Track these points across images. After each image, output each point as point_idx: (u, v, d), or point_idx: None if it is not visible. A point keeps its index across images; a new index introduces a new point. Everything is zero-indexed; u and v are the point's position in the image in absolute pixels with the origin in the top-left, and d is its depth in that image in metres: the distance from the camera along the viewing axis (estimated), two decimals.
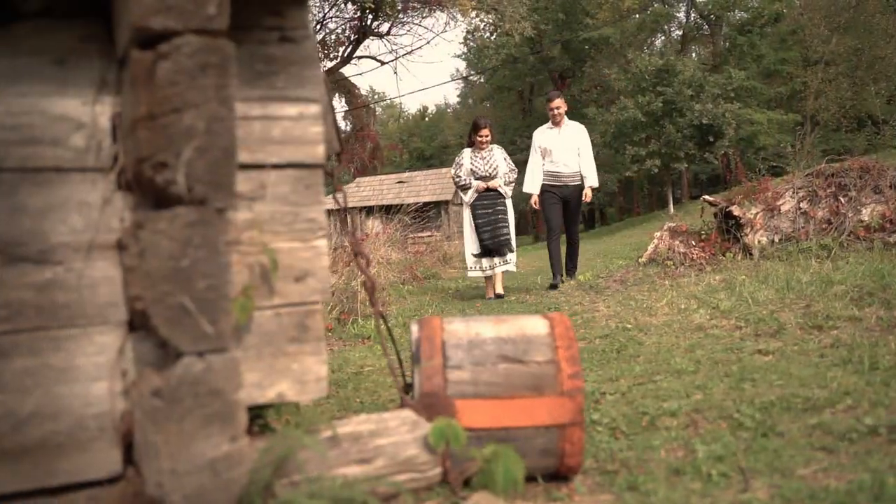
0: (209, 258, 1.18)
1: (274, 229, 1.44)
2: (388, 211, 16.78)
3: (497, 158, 7.87)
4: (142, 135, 1.16)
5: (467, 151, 7.94)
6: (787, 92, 31.35)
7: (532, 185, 7.93)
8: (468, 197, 7.78)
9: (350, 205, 26.15)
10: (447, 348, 1.83)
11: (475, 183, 7.71)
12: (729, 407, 2.31)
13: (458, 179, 7.92)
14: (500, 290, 7.71)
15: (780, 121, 27.32)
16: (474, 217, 7.75)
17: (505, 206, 7.80)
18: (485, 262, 7.78)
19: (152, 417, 1.16)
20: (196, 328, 1.17)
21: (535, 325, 1.92)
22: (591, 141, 8.24)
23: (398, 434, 1.52)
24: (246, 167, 1.41)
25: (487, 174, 7.74)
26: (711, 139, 24.20)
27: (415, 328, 1.91)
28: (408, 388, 2.00)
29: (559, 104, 7.85)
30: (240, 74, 1.40)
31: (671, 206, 26.30)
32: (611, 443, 2.15)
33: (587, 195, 7.82)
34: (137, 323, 1.29)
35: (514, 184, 7.93)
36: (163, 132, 1.16)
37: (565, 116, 7.93)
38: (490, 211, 7.73)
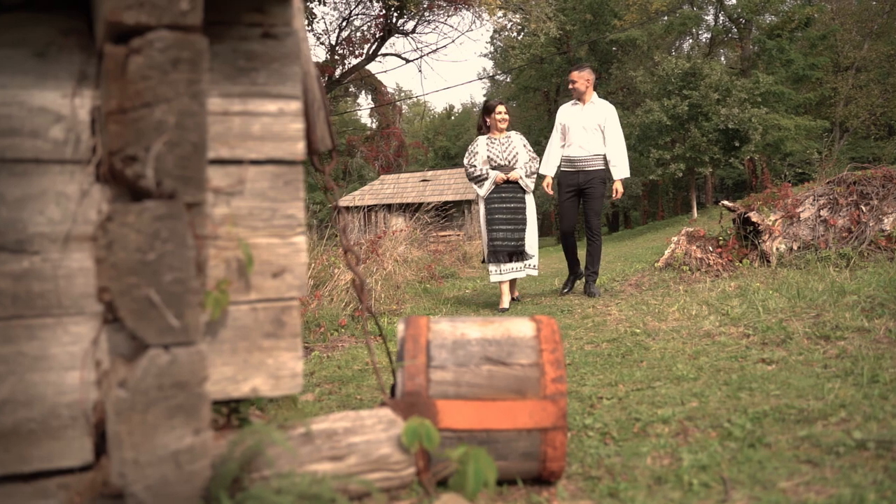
0: (177, 252, 1.19)
1: (252, 225, 1.45)
2: (410, 209, 16.88)
3: (516, 145, 6.83)
4: (112, 128, 1.17)
5: (482, 139, 6.90)
6: (816, 98, 30.91)
7: (546, 166, 6.99)
8: (483, 190, 6.74)
9: (373, 202, 26.28)
10: (431, 348, 1.82)
11: (492, 174, 6.68)
12: (722, 416, 2.29)
13: (472, 170, 6.84)
14: (514, 293, 7.04)
15: (808, 127, 26.95)
16: (489, 213, 6.75)
17: (525, 202, 6.77)
18: (498, 266, 6.73)
19: (117, 408, 1.17)
20: (162, 321, 1.18)
21: (522, 328, 1.91)
22: None
23: (373, 432, 1.52)
24: (225, 162, 1.42)
25: (507, 163, 6.70)
26: (737, 144, 23.90)
27: (401, 327, 1.91)
28: (395, 387, 2.00)
29: (576, 78, 6.86)
30: (220, 70, 1.41)
31: (695, 210, 26.06)
32: (599, 448, 2.14)
33: (617, 191, 6.78)
34: (109, 314, 1.30)
35: (536, 175, 6.91)
36: (133, 126, 1.17)
37: (594, 93, 6.95)
38: (509, 206, 6.72)
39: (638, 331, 4.39)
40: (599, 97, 7.02)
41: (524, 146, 6.88)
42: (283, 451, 1.39)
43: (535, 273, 6.96)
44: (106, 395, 1.29)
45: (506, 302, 6.70)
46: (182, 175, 1.20)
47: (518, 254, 6.70)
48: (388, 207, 24.98)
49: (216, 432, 1.46)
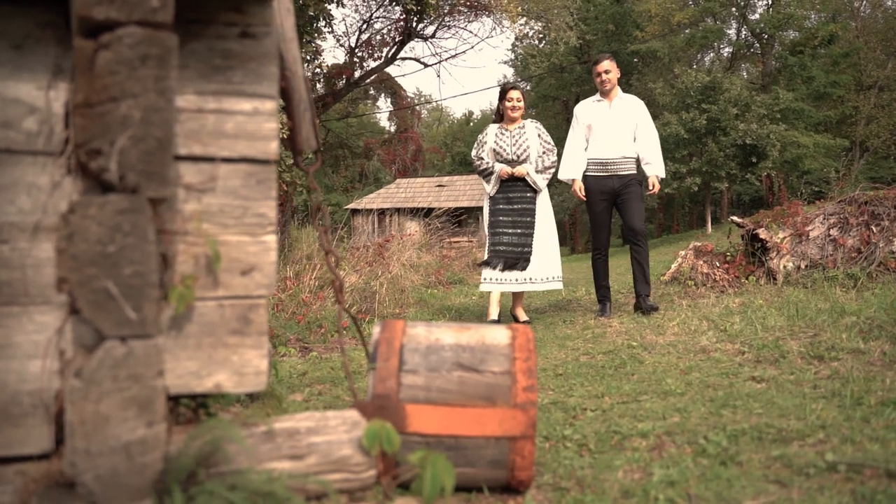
0: (137, 245, 1.21)
1: (223, 222, 1.46)
2: (423, 213, 16.92)
3: (529, 137, 5.90)
4: (78, 121, 1.18)
5: (493, 127, 6.04)
6: (837, 116, 30.72)
7: (571, 169, 5.97)
8: (490, 186, 5.91)
9: (388, 206, 26.35)
10: (405, 352, 1.83)
11: (497, 167, 5.82)
12: (700, 432, 2.27)
13: (479, 163, 6.01)
14: (522, 314, 6.00)
15: (828, 145, 26.76)
16: (492, 214, 5.91)
17: (534, 203, 5.86)
18: (490, 272, 5.86)
19: (70, 397, 1.19)
20: (119, 313, 1.19)
21: (496, 336, 1.91)
22: None
23: (335, 433, 1.52)
24: (197, 159, 1.43)
25: (515, 158, 5.83)
26: (754, 160, 23.78)
27: (376, 330, 1.92)
28: None
29: (608, 67, 5.89)
30: (196, 67, 1.42)
31: (709, 225, 25.92)
32: (574, 459, 2.13)
33: (653, 186, 5.81)
34: (74, 305, 1.32)
35: (551, 171, 5.92)
36: (99, 120, 1.18)
37: (618, 87, 6.02)
38: (515, 208, 5.85)
39: (635, 344, 4.37)
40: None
41: (539, 136, 5.96)
42: (243, 448, 1.40)
43: (559, 286, 6.00)
44: (66, 384, 1.30)
45: (494, 313, 5.91)
46: (146, 170, 1.21)
47: (521, 262, 5.81)
48: (403, 211, 25.02)
49: (180, 426, 1.47)
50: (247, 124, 1.46)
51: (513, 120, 5.96)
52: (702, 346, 4.03)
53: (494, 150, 5.90)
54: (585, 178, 5.95)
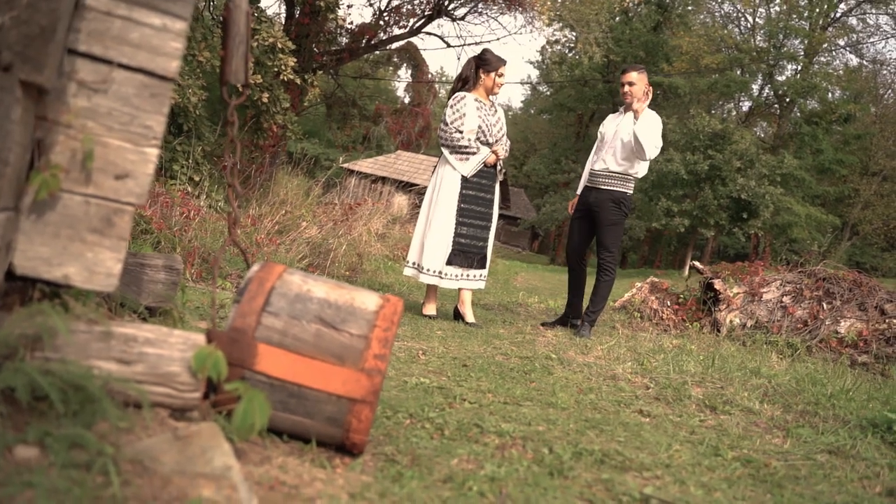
0: None
1: (109, 125, 1.50)
2: (415, 189, 16.96)
3: (503, 121, 5.59)
4: None
5: (470, 98, 5.40)
6: (836, 194, 31.11)
7: (580, 185, 5.98)
8: (469, 168, 5.34)
9: (382, 174, 26.29)
10: (273, 294, 1.88)
11: (484, 150, 5.36)
12: (552, 443, 2.34)
13: (457, 137, 5.32)
14: (470, 316, 5.57)
15: (819, 219, 27.09)
16: (463, 200, 5.35)
17: (494, 194, 5.58)
18: (451, 269, 5.36)
19: None
20: None
21: (366, 301, 1.97)
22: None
23: (170, 349, 1.57)
24: (95, 59, 1.47)
25: (494, 141, 5.43)
26: (745, 216, 24.03)
27: (255, 267, 1.97)
28: None
29: (633, 80, 5.51)
30: None
31: (687, 268, 26.17)
32: (423, 440, 2.19)
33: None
34: None
35: None
36: None
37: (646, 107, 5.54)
38: (485, 198, 5.47)
39: (554, 356, 4.44)
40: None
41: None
42: (71, 341, 1.45)
43: (482, 286, 5.61)
44: None
45: (432, 308, 5.67)
46: (23, 52, 1.25)
47: (478, 258, 5.49)
48: (397, 182, 24.96)
49: (22, 307, 1.52)
50: (153, 38, 1.50)
51: (495, 92, 5.54)
52: (613, 374, 4.11)
53: (480, 128, 5.39)
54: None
